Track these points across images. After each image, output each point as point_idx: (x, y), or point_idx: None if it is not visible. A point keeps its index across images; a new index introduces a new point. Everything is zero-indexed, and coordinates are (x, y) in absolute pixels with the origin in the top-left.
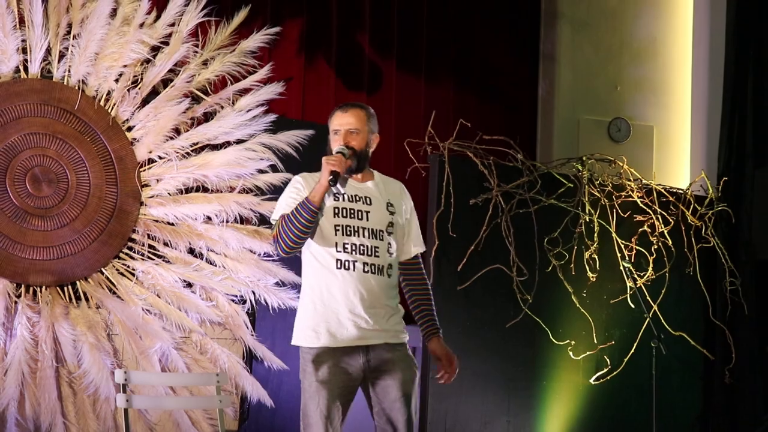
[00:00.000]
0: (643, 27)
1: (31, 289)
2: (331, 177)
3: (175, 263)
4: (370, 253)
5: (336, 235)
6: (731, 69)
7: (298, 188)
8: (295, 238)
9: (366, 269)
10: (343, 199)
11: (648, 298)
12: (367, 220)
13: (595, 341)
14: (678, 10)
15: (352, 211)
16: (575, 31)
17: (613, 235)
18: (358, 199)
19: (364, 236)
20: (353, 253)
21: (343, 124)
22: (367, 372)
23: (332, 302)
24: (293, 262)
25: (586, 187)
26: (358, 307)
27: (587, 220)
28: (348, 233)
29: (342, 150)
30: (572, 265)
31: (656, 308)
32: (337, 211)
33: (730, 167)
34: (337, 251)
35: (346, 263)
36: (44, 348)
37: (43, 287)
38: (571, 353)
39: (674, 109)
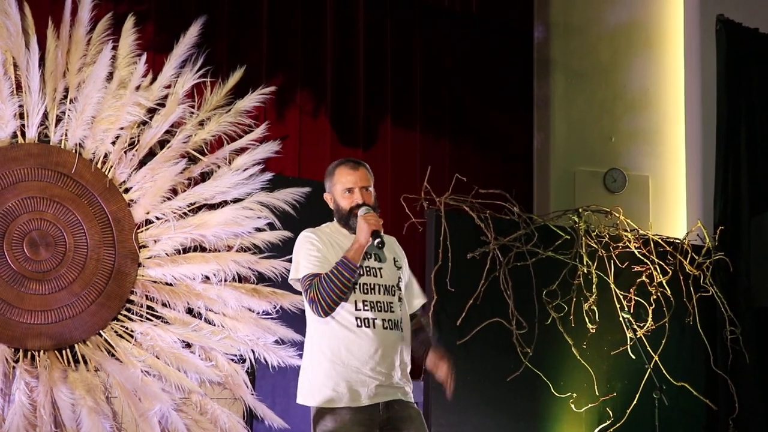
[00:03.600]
0: (635, 78)
1: (29, 353)
2: (379, 240)
3: (174, 324)
4: (386, 309)
5: (355, 292)
6: (723, 117)
7: (316, 245)
8: (336, 299)
9: (385, 326)
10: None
11: (648, 348)
12: (381, 276)
13: (597, 393)
14: (669, 61)
15: (368, 269)
16: (569, 82)
17: (612, 286)
18: (370, 256)
19: (379, 293)
20: (372, 310)
21: (356, 182)
22: (383, 428)
23: (352, 361)
24: (293, 320)
25: (583, 238)
26: (379, 364)
27: (585, 271)
28: (366, 291)
29: (370, 209)
30: (571, 317)
31: (657, 359)
32: None
33: (726, 215)
34: (357, 309)
35: (367, 321)
36: (43, 413)
37: (42, 351)
38: (573, 406)
39: (669, 158)
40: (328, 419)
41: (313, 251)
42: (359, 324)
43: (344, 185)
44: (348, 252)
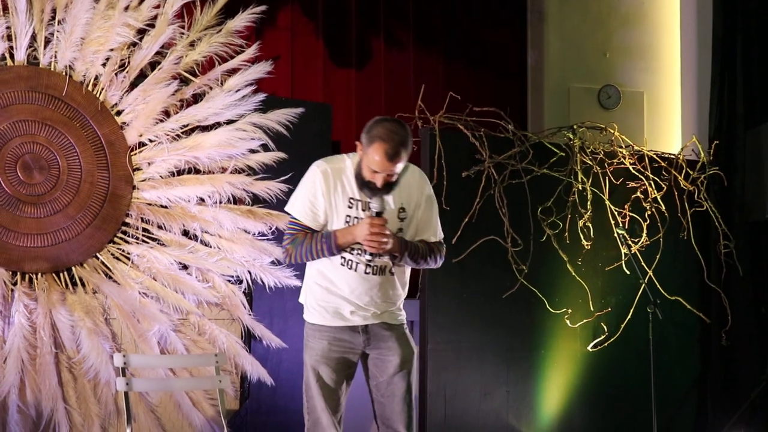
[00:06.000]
0: None
1: (27, 276)
2: (371, 258)
3: (170, 246)
4: (374, 255)
5: None
6: (719, 31)
7: (319, 188)
8: (305, 261)
9: (367, 271)
10: (357, 208)
11: (643, 263)
12: None
13: (592, 309)
14: None
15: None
16: None
17: (606, 202)
18: (367, 207)
19: None
20: (357, 255)
21: (385, 170)
22: (367, 348)
23: (336, 291)
24: None
25: (578, 155)
26: (358, 301)
27: (580, 188)
28: None
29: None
30: (566, 233)
31: (651, 274)
32: (348, 219)
33: (721, 130)
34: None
35: (350, 263)
36: (42, 335)
37: (39, 274)
38: (568, 321)
39: (664, 74)
40: (315, 335)
41: (311, 197)
42: (342, 263)
43: (373, 166)
44: (341, 236)
